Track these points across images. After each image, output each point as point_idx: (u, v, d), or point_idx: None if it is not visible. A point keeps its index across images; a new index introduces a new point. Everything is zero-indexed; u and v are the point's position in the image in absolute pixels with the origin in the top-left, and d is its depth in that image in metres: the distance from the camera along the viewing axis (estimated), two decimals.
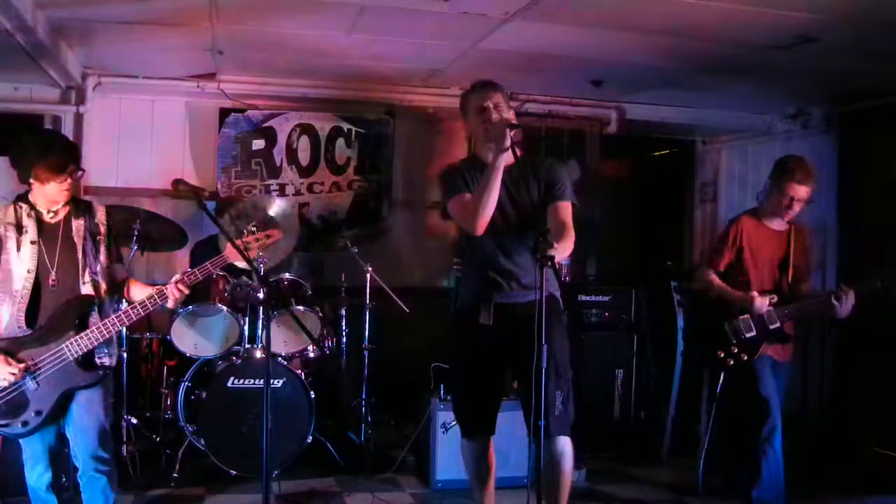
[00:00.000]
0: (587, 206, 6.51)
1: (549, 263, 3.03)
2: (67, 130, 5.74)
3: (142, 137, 6.13)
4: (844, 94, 5.77)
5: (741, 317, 4.20)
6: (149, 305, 3.31)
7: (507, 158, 3.33)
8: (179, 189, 3.47)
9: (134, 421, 4.87)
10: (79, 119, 5.79)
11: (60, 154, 3.27)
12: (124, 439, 4.71)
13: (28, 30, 4.16)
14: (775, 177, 4.22)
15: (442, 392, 4.74)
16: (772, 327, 4.17)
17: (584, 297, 5.54)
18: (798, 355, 5.95)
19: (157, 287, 3.38)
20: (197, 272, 3.38)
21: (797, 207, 4.20)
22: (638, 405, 5.53)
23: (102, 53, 5.25)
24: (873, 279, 4.03)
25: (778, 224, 4.31)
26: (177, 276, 3.37)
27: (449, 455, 4.61)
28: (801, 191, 4.14)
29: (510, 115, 3.50)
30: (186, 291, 3.38)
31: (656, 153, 7.89)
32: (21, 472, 3.44)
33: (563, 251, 3.41)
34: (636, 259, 7.20)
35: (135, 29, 4.58)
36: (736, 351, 4.22)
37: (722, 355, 4.25)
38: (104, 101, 5.91)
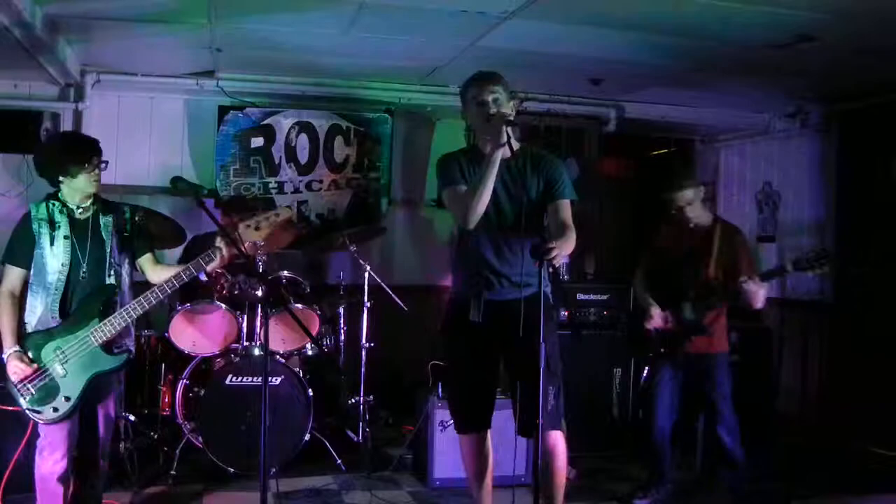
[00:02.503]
0: (585, 205, 6.53)
1: (547, 265, 3.04)
2: (67, 128, 5.76)
3: (141, 135, 6.14)
4: (843, 93, 5.77)
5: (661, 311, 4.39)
6: (192, 271, 3.46)
7: (504, 153, 3.33)
8: (178, 186, 3.47)
9: (132, 418, 4.86)
10: (78, 116, 5.80)
11: (85, 145, 3.49)
12: (122, 436, 4.71)
13: (26, 25, 4.16)
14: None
15: (440, 390, 4.74)
16: (686, 319, 4.31)
17: (582, 296, 5.53)
18: (796, 354, 6.00)
19: (199, 258, 3.45)
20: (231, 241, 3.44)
21: (689, 212, 4.38)
22: (636, 404, 5.52)
23: (101, 50, 5.25)
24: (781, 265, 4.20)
25: (700, 220, 4.43)
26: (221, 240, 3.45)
27: (447, 453, 4.61)
28: (686, 196, 4.36)
29: (509, 108, 3.50)
30: (233, 255, 3.47)
31: (655, 152, 7.89)
32: (24, 469, 3.46)
33: (564, 250, 3.42)
34: (635, 258, 7.19)
35: (133, 26, 4.58)
36: (655, 344, 4.42)
37: (646, 350, 4.51)
38: (103, 99, 5.92)
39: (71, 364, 3.35)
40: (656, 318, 4.38)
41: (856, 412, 5.54)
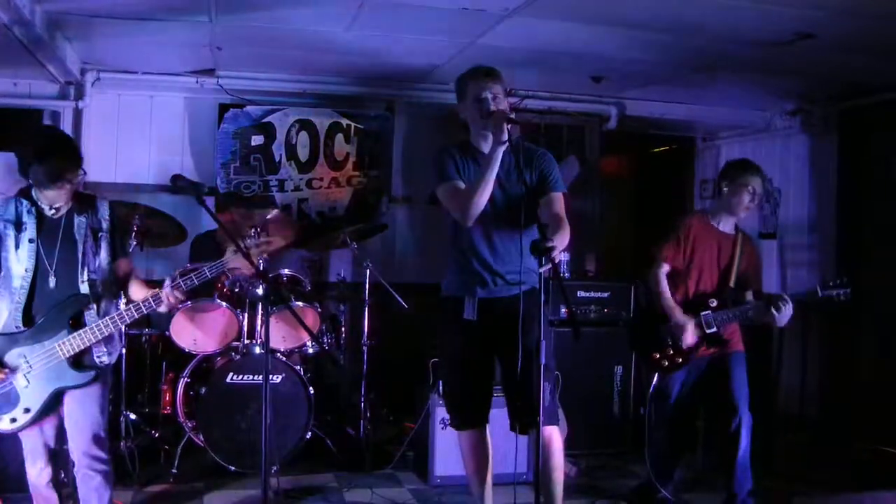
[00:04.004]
0: (586, 203, 6.53)
1: (548, 261, 3.04)
2: (66, 126, 5.74)
3: (141, 133, 6.13)
4: (844, 91, 5.76)
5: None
6: (143, 308, 3.27)
7: (502, 149, 3.34)
8: (178, 184, 3.43)
9: (133, 417, 4.88)
10: (78, 114, 5.79)
11: (58, 163, 3.17)
12: (123, 435, 4.71)
13: (26, 23, 4.15)
14: (734, 174, 4.28)
15: (440, 388, 4.74)
16: (709, 332, 4.21)
17: (583, 293, 5.53)
18: (797, 353, 6.00)
19: (153, 291, 3.32)
20: (194, 277, 3.32)
21: (756, 202, 4.29)
22: (637, 401, 5.52)
23: (101, 48, 5.24)
24: (812, 289, 4.15)
25: (726, 226, 4.34)
26: (171, 283, 3.29)
27: (447, 451, 4.61)
28: (759, 184, 4.26)
29: (506, 105, 3.50)
30: (182, 297, 3.34)
31: (656, 150, 7.89)
32: (21, 468, 3.43)
33: (559, 243, 3.43)
34: (635, 255, 7.20)
35: (134, 24, 4.56)
36: (671, 353, 4.27)
37: (657, 356, 4.30)
38: (103, 97, 5.91)
39: (34, 375, 3.18)
40: (692, 335, 4.20)
41: (856, 410, 5.54)
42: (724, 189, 4.32)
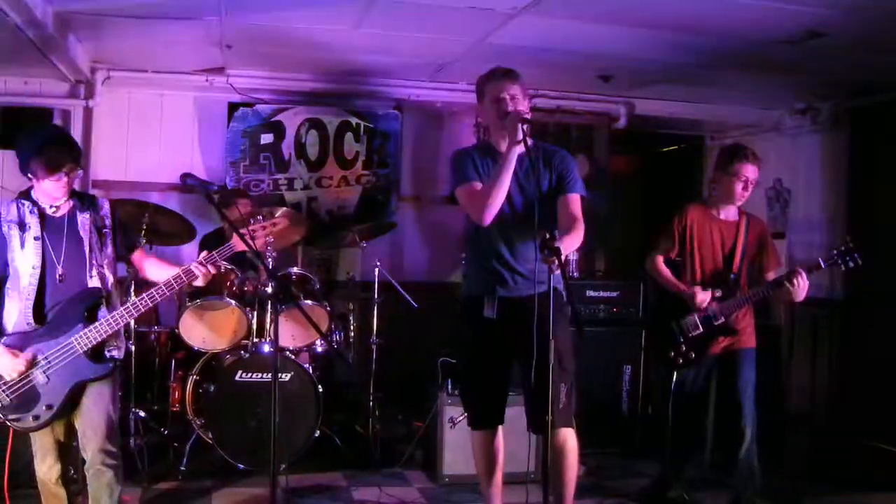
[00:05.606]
0: (595, 201, 6.51)
1: (555, 260, 3.03)
2: (77, 124, 5.78)
3: (150, 131, 6.16)
4: (853, 89, 5.74)
5: (689, 315, 4.23)
6: (174, 285, 3.29)
7: (518, 149, 3.35)
8: (188, 183, 3.44)
9: (142, 414, 4.89)
10: (88, 113, 5.83)
11: (54, 153, 3.20)
12: (132, 432, 4.73)
13: (37, 24, 4.18)
14: (724, 163, 4.24)
15: (450, 387, 4.75)
16: (716, 324, 4.19)
17: (592, 293, 5.52)
18: (806, 352, 5.98)
19: (183, 267, 3.34)
20: (216, 255, 3.36)
21: (751, 188, 4.24)
22: (645, 401, 5.51)
23: (111, 47, 5.26)
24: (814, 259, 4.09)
25: (728, 214, 4.31)
26: (205, 257, 3.35)
27: (456, 450, 4.62)
28: (752, 170, 4.19)
29: (525, 106, 3.51)
30: (214, 271, 3.38)
31: (665, 149, 7.87)
32: (30, 465, 3.44)
33: (573, 244, 3.44)
34: (644, 254, 7.18)
35: (144, 23, 4.58)
36: (684, 349, 4.25)
37: (672, 354, 4.29)
38: (113, 96, 5.93)
39: (53, 371, 3.17)
40: (702, 296, 4.18)
41: (866, 409, 5.52)
42: (718, 179, 4.31)
